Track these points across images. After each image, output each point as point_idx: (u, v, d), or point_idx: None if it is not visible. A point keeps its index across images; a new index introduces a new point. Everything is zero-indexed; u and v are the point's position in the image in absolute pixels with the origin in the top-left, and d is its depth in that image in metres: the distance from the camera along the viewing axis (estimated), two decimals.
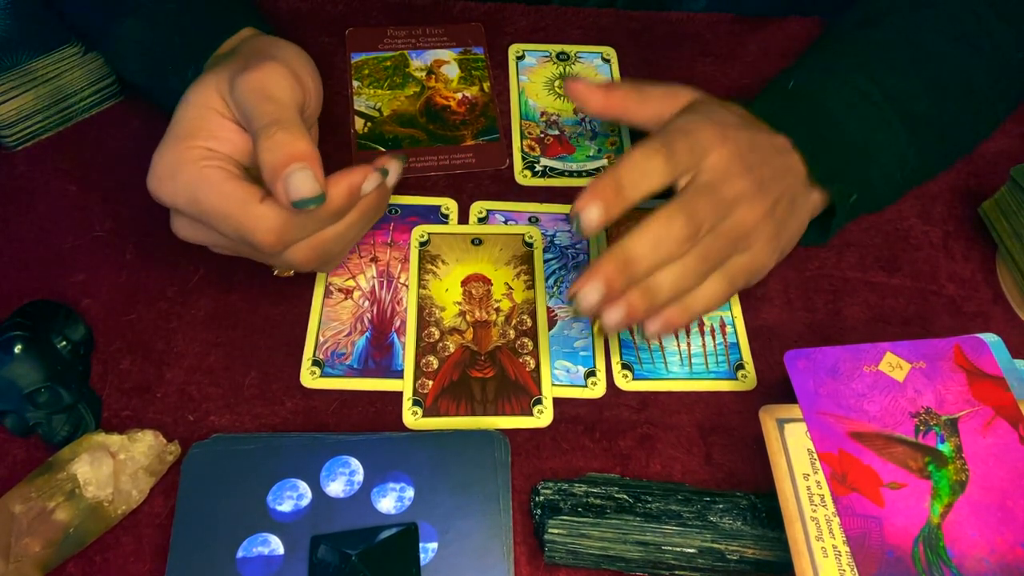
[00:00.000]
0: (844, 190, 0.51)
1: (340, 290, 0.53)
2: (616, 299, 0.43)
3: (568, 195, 0.58)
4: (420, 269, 0.54)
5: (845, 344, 0.47)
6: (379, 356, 0.51)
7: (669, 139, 0.45)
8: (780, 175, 0.48)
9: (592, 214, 0.42)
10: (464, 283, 0.54)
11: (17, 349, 0.46)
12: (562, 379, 0.51)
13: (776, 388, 0.51)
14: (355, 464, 0.46)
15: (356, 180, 0.44)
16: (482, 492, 0.45)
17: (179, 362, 0.50)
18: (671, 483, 0.46)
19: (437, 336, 0.52)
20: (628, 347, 0.52)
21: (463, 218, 0.57)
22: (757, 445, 0.48)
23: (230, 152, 0.45)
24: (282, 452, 0.46)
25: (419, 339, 0.51)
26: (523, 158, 0.60)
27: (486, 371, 0.50)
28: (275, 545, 0.43)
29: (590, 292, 0.42)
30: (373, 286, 0.54)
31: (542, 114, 0.63)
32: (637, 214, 0.44)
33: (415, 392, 0.49)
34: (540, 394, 0.50)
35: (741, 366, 0.52)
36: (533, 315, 0.53)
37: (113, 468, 0.44)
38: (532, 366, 0.51)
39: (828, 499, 0.41)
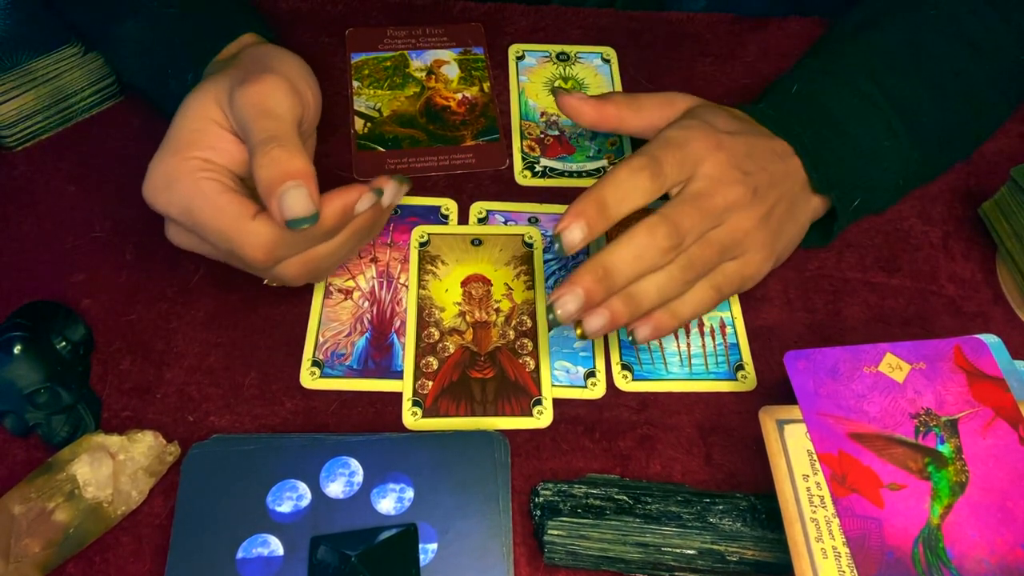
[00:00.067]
0: (846, 194, 0.51)
1: (340, 290, 0.53)
2: (596, 307, 0.43)
3: (568, 195, 0.58)
4: (420, 270, 0.54)
5: (845, 345, 0.47)
6: (379, 356, 0.51)
7: (658, 153, 0.45)
8: (777, 181, 0.48)
9: (575, 234, 0.43)
10: (464, 284, 0.54)
11: (17, 349, 0.46)
12: (562, 380, 0.51)
13: (776, 389, 0.51)
14: (355, 465, 0.46)
15: (350, 200, 0.44)
16: (482, 493, 0.45)
17: (179, 362, 0.50)
18: (671, 484, 0.46)
19: (437, 337, 0.52)
20: (628, 348, 0.52)
21: (463, 218, 0.57)
22: (757, 446, 0.48)
23: (227, 163, 0.44)
24: (282, 453, 0.46)
25: (419, 340, 0.51)
26: (523, 158, 0.60)
27: (486, 372, 0.50)
28: (275, 546, 0.43)
29: (568, 302, 0.43)
30: (373, 286, 0.54)
31: (542, 114, 0.63)
32: (639, 213, 0.44)
33: (415, 393, 0.49)
34: (540, 395, 0.50)
35: (741, 367, 0.52)
36: (533, 316, 0.53)
37: (113, 469, 0.44)
38: (532, 367, 0.51)
39: (828, 500, 0.41)
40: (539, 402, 0.49)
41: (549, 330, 0.52)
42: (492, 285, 0.54)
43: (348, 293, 0.53)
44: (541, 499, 0.44)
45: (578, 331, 0.44)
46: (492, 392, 0.50)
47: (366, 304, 0.53)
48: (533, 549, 0.45)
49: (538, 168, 0.60)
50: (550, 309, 0.43)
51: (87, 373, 0.49)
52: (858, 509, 0.41)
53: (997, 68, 0.56)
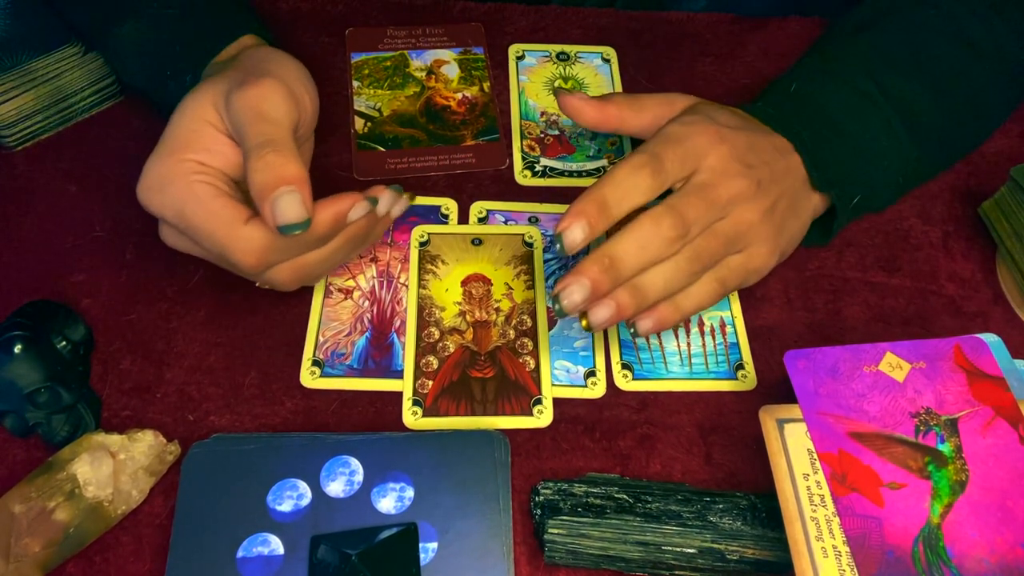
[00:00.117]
0: (846, 192, 0.51)
1: (340, 290, 0.53)
2: (602, 298, 0.43)
3: (568, 195, 0.58)
4: (420, 269, 0.54)
5: (845, 344, 0.47)
6: (379, 356, 0.51)
7: (658, 150, 0.45)
8: (780, 176, 0.48)
9: (576, 234, 0.43)
10: (464, 283, 0.54)
11: (17, 349, 0.46)
12: (562, 379, 0.51)
13: (776, 388, 0.51)
14: (355, 464, 0.46)
15: (343, 208, 0.44)
16: (482, 492, 0.45)
17: (179, 362, 0.50)
18: (671, 483, 0.46)
19: (437, 336, 0.52)
20: (628, 347, 0.52)
21: (463, 218, 0.57)
22: (757, 445, 0.48)
23: (222, 166, 0.44)
24: (282, 452, 0.46)
25: (419, 339, 0.51)
26: (523, 158, 0.60)
27: (486, 371, 0.50)
28: (275, 545, 0.43)
29: (574, 292, 0.42)
30: (373, 286, 0.54)
31: (542, 114, 0.63)
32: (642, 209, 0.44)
33: (415, 392, 0.49)
34: (540, 394, 0.50)
35: (741, 366, 0.52)
36: (533, 315, 0.53)
37: (113, 468, 0.44)
38: (532, 366, 0.51)
39: (828, 499, 0.41)
40: (539, 401, 0.49)
41: (551, 325, 0.52)
42: (492, 284, 0.54)
43: (348, 292, 0.53)
44: (541, 498, 0.44)
45: (583, 323, 0.44)
46: (492, 391, 0.50)
47: (366, 303, 0.53)
48: (533, 548, 0.45)
49: (538, 168, 0.60)
50: (556, 300, 0.43)
51: (87, 373, 0.49)
52: (858, 508, 0.41)
53: (997, 68, 0.56)
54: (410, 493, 0.45)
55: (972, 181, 0.60)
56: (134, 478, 0.44)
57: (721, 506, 0.44)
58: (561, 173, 0.60)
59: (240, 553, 0.43)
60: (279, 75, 0.46)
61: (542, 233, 0.56)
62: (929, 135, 0.54)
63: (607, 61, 0.66)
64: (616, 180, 0.44)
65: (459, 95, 0.63)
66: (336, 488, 0.45)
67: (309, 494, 0.45)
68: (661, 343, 0.52)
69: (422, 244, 0.55)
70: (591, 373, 0.51)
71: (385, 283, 0.54)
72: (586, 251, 0.56)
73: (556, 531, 0.43)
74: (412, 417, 0.49)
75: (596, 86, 0.64)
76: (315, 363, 0.50)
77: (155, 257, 0.54)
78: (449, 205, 0.58)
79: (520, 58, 0.66)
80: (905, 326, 0.53)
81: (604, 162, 0.61)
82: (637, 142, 0.57)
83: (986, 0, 0.55)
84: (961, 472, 0.42)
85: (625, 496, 0.44)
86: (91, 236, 0.55)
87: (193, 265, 0.53)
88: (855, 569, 0.39)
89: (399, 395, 0.49)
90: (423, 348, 0.51)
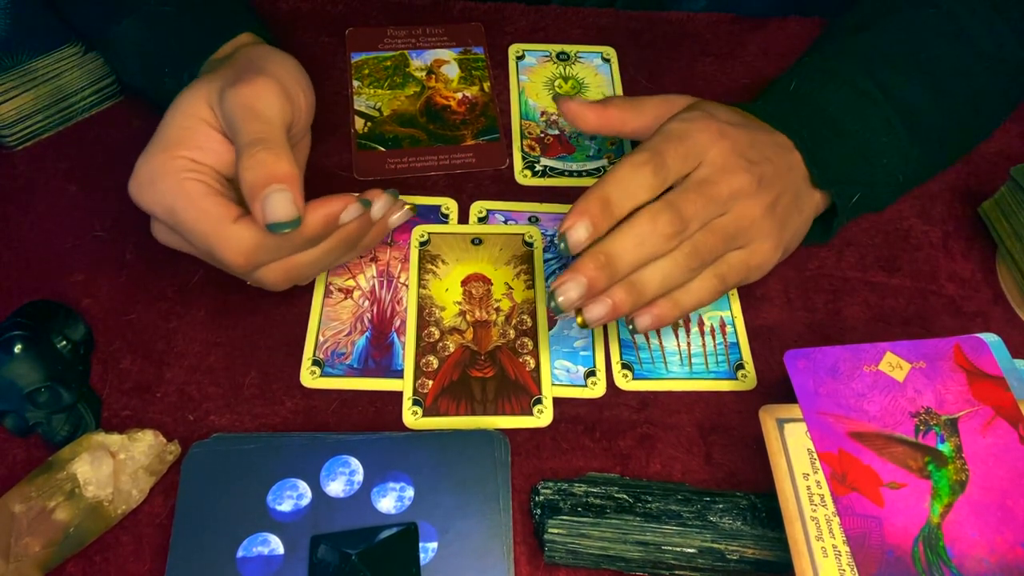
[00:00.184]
0: (846, 191, 0.51)
1: (340, 290, 0.53)
2: (599, 295, 0.43)
3: (568, 195, 0.58)
4: (420, 269, 0.54)
5: (845, 344, 0.47)
6: (379, 356, 0.51)
7: (660, 147, 0.45)
8: (782, 172, 0.48)
9: (579, 233, 0.43)
10: (464, 283, 0.54)
11: (17, 349, 0.46)
12: (562, 379, 0.51)
13: (776, 388, 0.51)
14: (355, 464, 0.46)
15: (335, 209, 0.44)
16: (482, 492, 0.45)
17: (179, 362, 0.50)
18: (671, 483, 0.46)
19: (437, 336, 0.52)
20: (628, 347, 0.52)
21: (463, 218, 0.57)
22: (757, 445, 0.48)
23: (214, 163, 0.44)
24: (282, 452, 0.46)
25: (419, 339, 0.51)
26: (523, 158, 0.60)
27: (486, 371, 0.50)
28: (275, 545, 0.43)
29: (570, 289, 0.42)
30: (373, 286, 0.54)
31: (542, 114, 0.63)
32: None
33: (415, 392, 0.49)
34: (540, 394, 0.50)
35: (741, 366, 0.52)
36: (533, 315, 0.53)
37: (113, 468, 0.44)
38: (532, 366, 0.51)
39: (828, 499, 0.41)
40: (539, 401, 0.49)
41: (550, 324, 0.52)
42: (492, 284, 0.54)
43: (348, 292, 0.53)
44: (541, 498, 0.44)
45: (579, 319, 0.44)
46: (492, 391, 0.50)
47: (366, 303, 0.53)
48: (533, 548, 0.45)
49: (538, 167, 0.60)
50: (552, 296, 0.43)
51: (87, 372, 0.49)
52: (858, 508, 0.41)
53: (997, 68, 0.56)
54: (410, 493, 0.45)
55: (972, 181, 0.60)
56: (134, 478, 0.44)
57: (721, 506, 0.44)
58: (561, 173, 0.60)
59: (240, 553, 0.43)
60: (274, 73, 0.46)
61: (542, 233, 0.56)
62: (929, 134, 0.54)
63: (607, 61, 0.66)
64: (618, 178, 0.43)
65: (459, 95, 0.63)
66: (336, 488, 0.45)
67: (309, 494, 0.45)
68: (661, 343, 0.52)
69: (422, 244, 0.55)
70: (591, 373, 0.51)
71: (385, 283, 0.54)
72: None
73: (556, 531, 0.43)
74: (412, 417, 0.49)
75: (596, 86, 0.64)
76: (315, 363, 0.50)
77: (155, 257, 0.54)
78: (449, 205, 0.58)
79: (520, 58, 0.66)
80: (905, 326, 0.53)
81: (604, 162, 0.61)
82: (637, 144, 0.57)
83: (986, 0, 0.56)
84: (961, 472, 0.42)
85: (625, 496, 0.44)
86: (91, 236, 0.55)
87: (193, 265, 0.53)
88: (855, 569, 0.39)
89: (399, 395, 0.49)
90: (423, 348, 0.51)
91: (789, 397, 0.45)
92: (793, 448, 0.43)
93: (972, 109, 0.56)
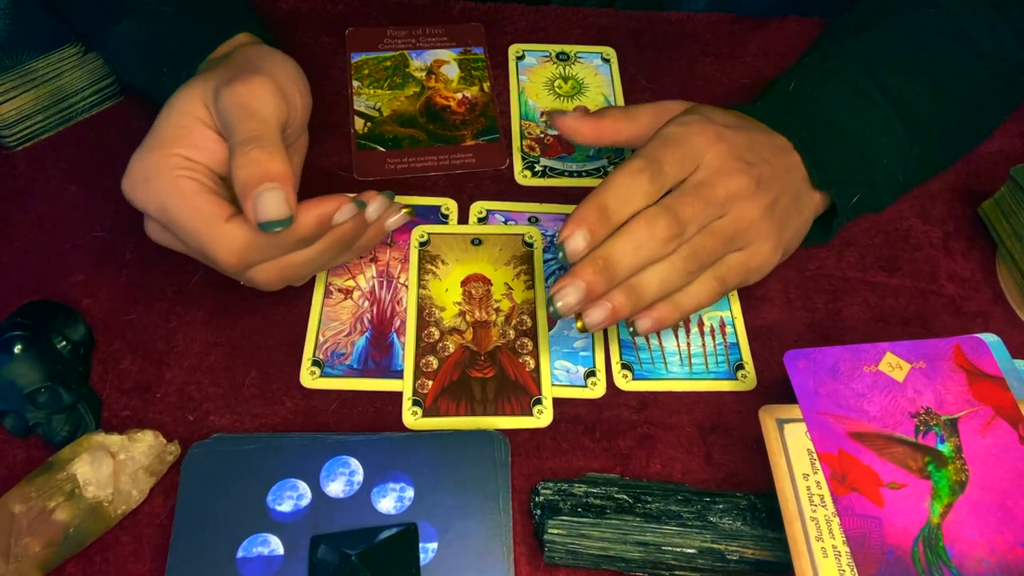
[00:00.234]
0: (846, 191, 0.51)
1: (340, 290, 0.53)
2: (598, 299, 0.43)
3: (568, 195, 0.58)
4: (420, 269, 0.54)
5: (845, 344, 0.47)
6: (379, 356, 0.51)
7: (657, 153, 0.45)
8: (780, 173, 0.48)
9: (578, 242, 0.43)
10: (464, 283, 0.54)
11: (17, 349, 0.46)
12: (562, 379, 0.51)
13: (776, 388, 0.51)
14: (355, 464, 0.46)
15: (328, 209, 0.44)
16: (482, 492, 0.45)
17: (179, 362, 0.50)
18: (671, 483, 0.46)
19: (437, 336, 0.52)
20: (628, 347, 0.52)
21: (463, 218, 0.57)
22: (757, 445, 0.48)
23: (207, 161, 0.44)
24: (282, 452, 0.46)
25: (419, 339, 0.51)
26: (523, 158, 0.60)
27: (486, 371, 0.50)
28: (275, 545, 0.43)
29: (569, 294, 0.43)
30: (373, 286, 0.54)
31: (542, 114, 0.63)
32: None
33: (415, 392, 0.49)
34: (540, 394, 0.50)
35: (741, 366, 0.52)
36: (533, 315, 0.53)
37: (113, 468, 0.44)
38: (532, 366, 0.51)
39: (828, 499, 0.41)
40: (539, 401, 0.49)
41: (550, 327, 0.52)
42: (492, 285, 0.54)
43: (348, 293, 0.53)
44: (541, 498, 0.44)
45: (579, 324, 0.44)
46: (492, 391, 0.50)
47: (366, 304, 0.53)
48: (533, 548, 0.45)
49: (538, 168, 0.60)
50: (551, 301, 0.43)
51: (87, 373, 0.49)
52: (858, 508, 0.41)
53: (997, 68, 0.56)
54: (410, 493, 0.45)
55: (972, 181, 0.60)
56: (134, 478, 0.44)
57: (721, 506, 0.44)
58: (561, 173, 0.60)
59: (240, 553, 0.43)
60: (270, 73, 0.46)
61: (542, 233, 0.56)
62: (929, 134, 0.54)
63: (607, 61, 0.66)
64: (615, 185, 0.44)
65: (459, 95, 0.63)
66: (336, 488, 0.45)
67: (309, 494, 0.45)
68: (661, 343, 0.52)
69: (422, 244, 0.55)
70: (591, 373, 0.51)
71: (385, 283, 0.54)
72: None
73: (556, 531, 0.43)
74: (412, 417, 0.49)
75: (596, 86, 0.64)
76: (315, 363, 0.50)
77: (155, 257, 0.54)
78: (449, 205, 0.58)
79: (520, 58, 0.66)
80: (905, 326, 0.53)
81: (604, 162, 0.61)
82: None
83: (986, 0, 0.56)
84: (961, 472, 0.42)
85: (625, 496, 0.44)
86: (91, 236, 0.55)
87: (193, 265, 0.53)
88: (855, 569, 0.39)
89: (399, 395, 0.49)
90: (423, 348, 0.51)
91: (789, 397, 0.45)
92: (793, 448, 0.43)
93: (972, 109, 0.56)
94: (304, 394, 0.49)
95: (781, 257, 0.49)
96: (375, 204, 0.46)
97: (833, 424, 0.44)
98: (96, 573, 0.44)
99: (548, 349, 0.51)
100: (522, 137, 0.61)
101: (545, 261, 0.55)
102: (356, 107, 0.62)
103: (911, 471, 0.42)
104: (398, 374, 0.50)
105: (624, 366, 0.51)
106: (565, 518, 0.43)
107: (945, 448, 0.43)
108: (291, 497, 0.45)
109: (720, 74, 0.65)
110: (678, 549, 0.42)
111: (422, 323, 0.52)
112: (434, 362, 0.51)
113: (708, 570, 0.43)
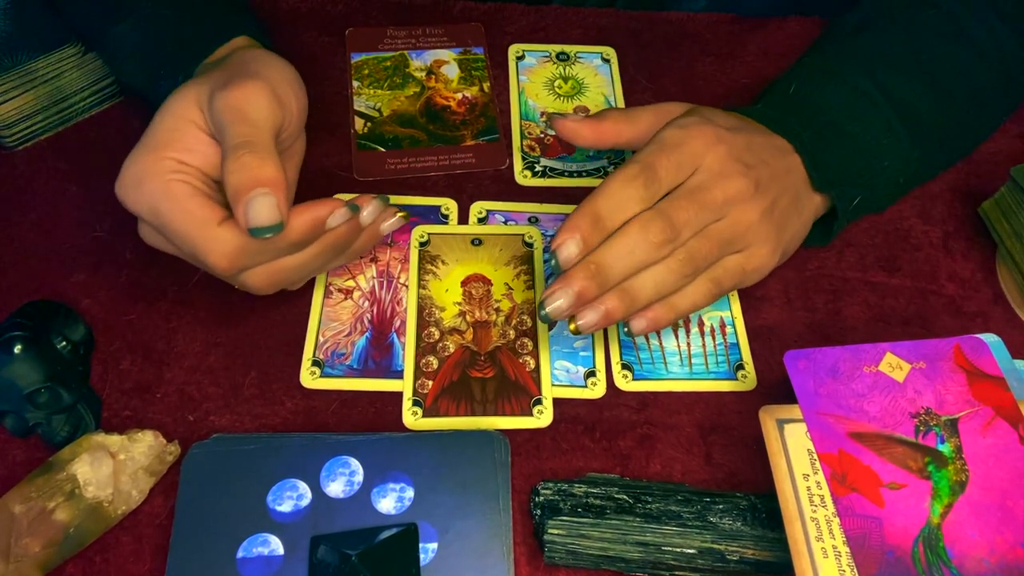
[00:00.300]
0: (846, 193, 0.51)
1: (340, 290, 0.53)
2: (590, 303, 0.43)
3: (568, 195, 0.58)
4: (420, 269, 0.54)
5: (845, 344, 0.47)
6: (379, 356, 0.51)
7: (652, 159, 0.44)
8: (779, 175, 0.48)
9: (570, 249, 0.43)
10: (464, 283, 0.54)
11: (17, 349, 0.46)
12: (562, 379, 0.51)
13: (776, 388, 0.51)
14: (355, 464, 0.46)
15: (320, 214, 0.44)
16: (482, 492, 0.45)
17: (179, 362, 0.50)
18: (671, 483, 0.46)
19: (437, 336, 0.52)
20: (628, 347, 0.52)
21: (463, 218, 0.57)
22: (757, 445, 0.48)
23: (201, 165, 0.44)
24: (282, 452, 0.46)
25: (419, 339, 0.51)
26: (523, 158, 0.60)
27: (486, 371, 0.50)
28: (275, 545, 0.43)
29: (559, 298, 0.43)
30: (373, 286, 0.54)
31: (542, 114, 0.63)
32: None
33: (415, 392, 0.49)
34: (540, 394, 0.50)
35: (741, 366, 0.52)
36: (533, 315, 0.53)
37: (113, 468, 0.44)
38: (532, 366, 0.51)
39: (828, 499, 0.41)
40: (539, 402, 0.49)
41: (550, 327, 0.52)
42: (492, 285, 0.54)
43: (348, 293, 0.53)
44: (541, 498, 0.44)
45: (571, 326, 0.44)
46: (492, 392, 0.50)
47: (366, 304, 0.53)
48: (533, 548, 0.45)
49: (538, 168, 0.60)
50: (542, 306, 0.43)
51: (87, 373, 0.49)
52: (858, 508, 0.41)
53: (997, 67, 0.56)
54: (410, 493, 0.45)
55: (972, 181, 0.60)
56: (134, 478, 0.44)
57: (721, 506, 0.44)
58: (561, 173, 0.60)
59: (240, 553, 0.43)
60: (266, 77, 0.45)
61: (542, 233, 0.56)
62: (929, 135, 0.54)
63: (607, 61, 0.66)
64: (609, 192, 0.43)
65: (459, 95, 0.63)
66: (336, 488, 0.45)
67: (309, 494, 0.45)
68: (661, 343, 0.52)
69: (422, 244, 0.55)
70: (591, 373, 0.51)
71: (385, 283, 0.54)
72: None
73: (556, 531, 0.43)
74: (412, 417, 0.49)
75: (596, 86, 0.64)
76: (315, 363, 0.50)
77: (155, 257, 0.53)
78: (449, 205, 0.58)
79: (520, 58, 0.66)
80: (905, 326, 0.53)
81: (604, 162, 0.61)
82: None
83: (986, 0, 0.56)
84: (961, 472, 0.42)
85: (625, 496, 0.44)
86: (91, 236, 0.55)
87: (193, 266, 0.53)
88: (855, 569, 0.39)
89: (399, 395, 0.49)
90: (423, 348, 0.51)
91: (789, 397, 0.45)
92: (793, 448, 0.43)
93: (972, 109, 0.56)
94: (304, 394, 0.49)
95: (780, 259, 0.49)
96: (369, 208, 0.46)
97: (833, 424, 0.44)
98: (96, 573, 0.44)
99: (548, 349, 0.51)
100: (522, 137, 0.61)
101: (545, 261, 0.55)
102: (356, 107, 0.62)
103: (911, 471, 0.42)
104: (398, 374, 0.50)
105: (624, 366, 0.51)
106: (565, 518, 0.43)
107: (945, 448, 0.43)
108: (291, 497, 0.45)
109: (720, 74, 0.65)
110: (678, 549, 0.42)
111: (422, 323, 0.52)
112: (434, 362, 0.51)
113: (708, 570, 0.43)
